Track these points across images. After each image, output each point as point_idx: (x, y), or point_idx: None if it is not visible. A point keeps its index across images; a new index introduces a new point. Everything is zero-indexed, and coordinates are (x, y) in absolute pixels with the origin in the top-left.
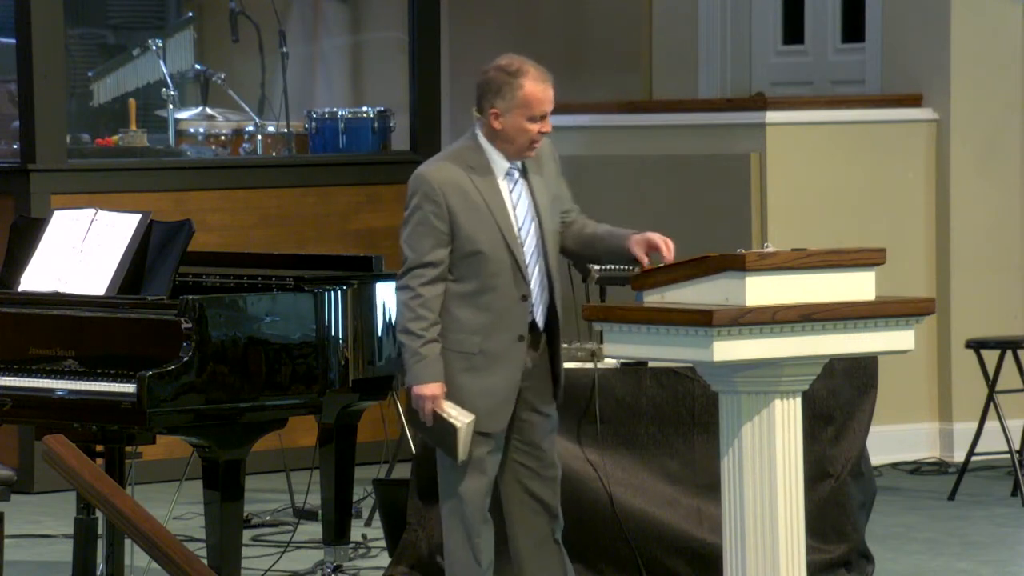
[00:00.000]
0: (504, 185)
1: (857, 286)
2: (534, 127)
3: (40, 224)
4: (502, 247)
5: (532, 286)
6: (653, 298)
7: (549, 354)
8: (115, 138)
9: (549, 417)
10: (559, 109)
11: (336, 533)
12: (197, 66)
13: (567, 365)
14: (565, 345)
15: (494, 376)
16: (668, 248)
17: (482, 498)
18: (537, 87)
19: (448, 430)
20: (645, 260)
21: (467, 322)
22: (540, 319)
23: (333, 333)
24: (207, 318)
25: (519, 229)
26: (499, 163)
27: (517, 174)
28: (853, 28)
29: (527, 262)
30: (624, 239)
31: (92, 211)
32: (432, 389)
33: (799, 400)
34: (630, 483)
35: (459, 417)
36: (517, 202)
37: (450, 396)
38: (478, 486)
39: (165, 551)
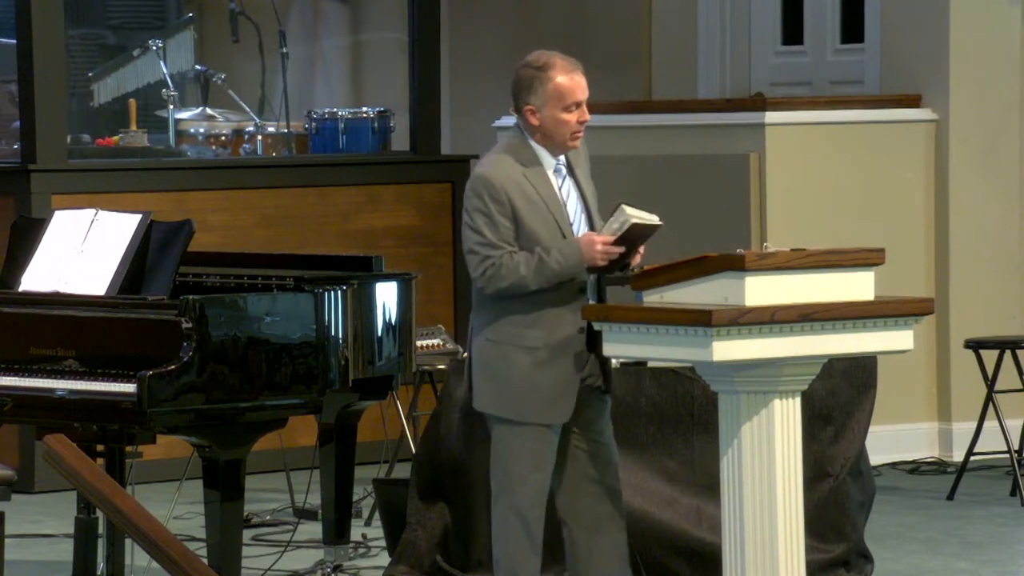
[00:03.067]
0: (554, 180)
1: (856, 286)
2: (571, 117)
3: (41, 224)
4: (560, 240)
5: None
6: (653, 298)
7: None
8: (115, 138)
9: (604, 403)
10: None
11: (336, 533)
12: (197, 66)
13: None
14: None
15: (558, 368)
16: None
17: (540, 492)
18: (566, 77)
19: (631, 232)
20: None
21: (529, 317)
22: None
23: (333, 333)
24: (207, 318)
25: (571, 223)
26: (547, 159)
27: (564, 170)
28: (852, 28)
29: None
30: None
31: (93, 211)
32: (585, 244)
33: (798, 400)
34: (630, 483)
35: (619, 218)
36: (567, 197)
37: (516, 389)
38: (536, 479)
39: (165, 551)
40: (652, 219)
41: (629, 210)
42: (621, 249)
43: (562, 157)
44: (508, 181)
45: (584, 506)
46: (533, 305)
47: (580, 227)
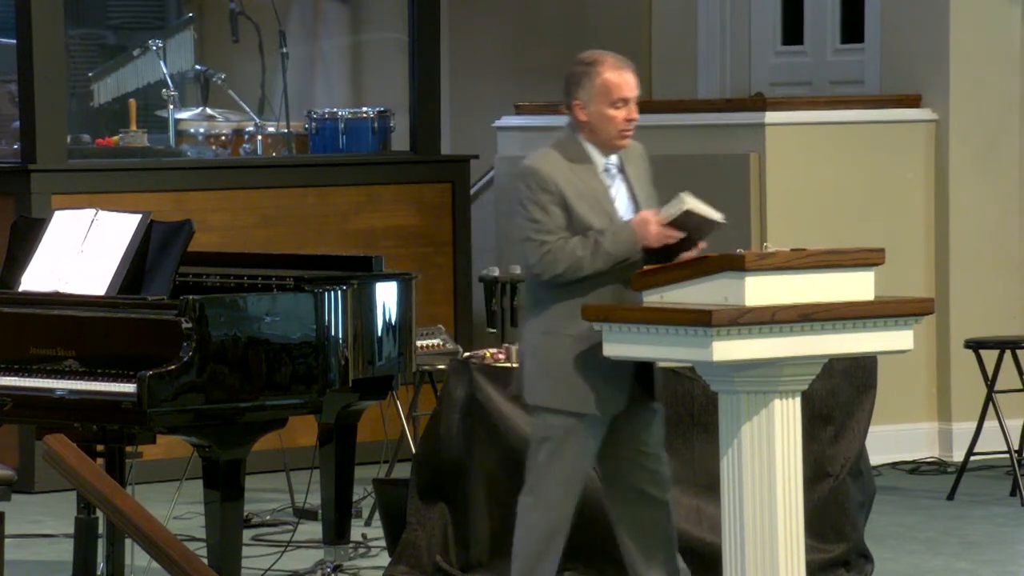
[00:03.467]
0: (604, 178)
1: (856, 286)
2: (618, 114)
3: (41, 224)
4: (614, 222)
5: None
6: (653, 298)
7: None
8: (115, 138)
9: (653, 410)
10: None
11: (336, 533)
12: (197, 66)
13: None
14: None
15: (607, 360)
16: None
17: (575, 484)
18: (614, 73)
19: (688, 221)
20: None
21: (580, 308)
22: None
23: (333, 333)
24: (207, 318)
25: (622, 219)
26: (596, 157)
27: (614, 169)
28: (852, 29)
29: None
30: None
31: (92, 211)
32: (638, 223)
33: (798, 400)
34: None
35: (676, 205)
36: (616, 195)
37: (567, 379)
38: (576, 471)
39: (165, 551)
40: (712, 213)
41: (687, 198)
42: (676, 233)
43: (613, 157)
44: (557, 172)
45: (630, 513)
46: (584, 296)
47: None
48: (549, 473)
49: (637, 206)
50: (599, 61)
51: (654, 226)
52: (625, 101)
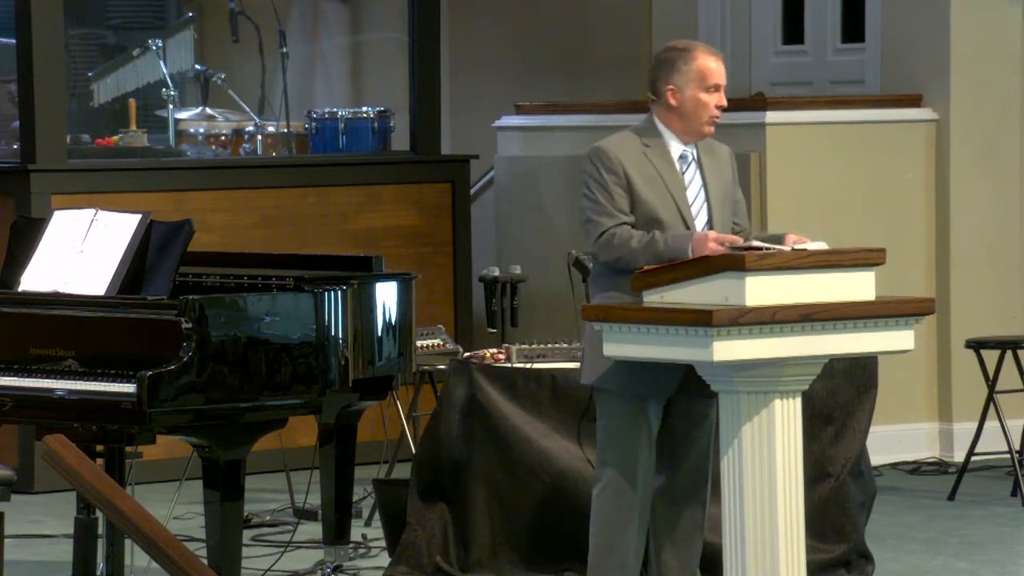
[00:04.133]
0: (679, 166)
1: (857, 286)
2: (711, 99)
3: (40, 224)
4: (679, 220)
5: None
6: (653, 298)
7: None
8: (115, 138)
9: (703, 412)
10: (558, 108)
11: (336, 533)
12: (197, 66)
13: (567, 365)
14: (565, 345)
15: None
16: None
17: (637, 466)
18: (710, 58)
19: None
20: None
21: (637, 294)
22: None
23: (333, 333)
24: (207, 318)
25: (691, 205)
26: (674, 146)
27: (691, 158)
28: (853, 28)
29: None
30: (781, 238)
31: (92, 211)
32: (697, 240)
33: (799, 400)
34: None
35: (766, 240)
36: (689, 184)
37: (631, 366)
38: (635, 453)
39: (165, 551)
40: (812, 245)
41: (789, 242)
42: (731, 240)
43: (692, 147)
44: (625, 154)
45: (662, 511)
46: None
47: (699, 215)
48: (608, 459)
49: (708, 198)
50: (694, 47)
51: (712, 243)
52: (718, 87)
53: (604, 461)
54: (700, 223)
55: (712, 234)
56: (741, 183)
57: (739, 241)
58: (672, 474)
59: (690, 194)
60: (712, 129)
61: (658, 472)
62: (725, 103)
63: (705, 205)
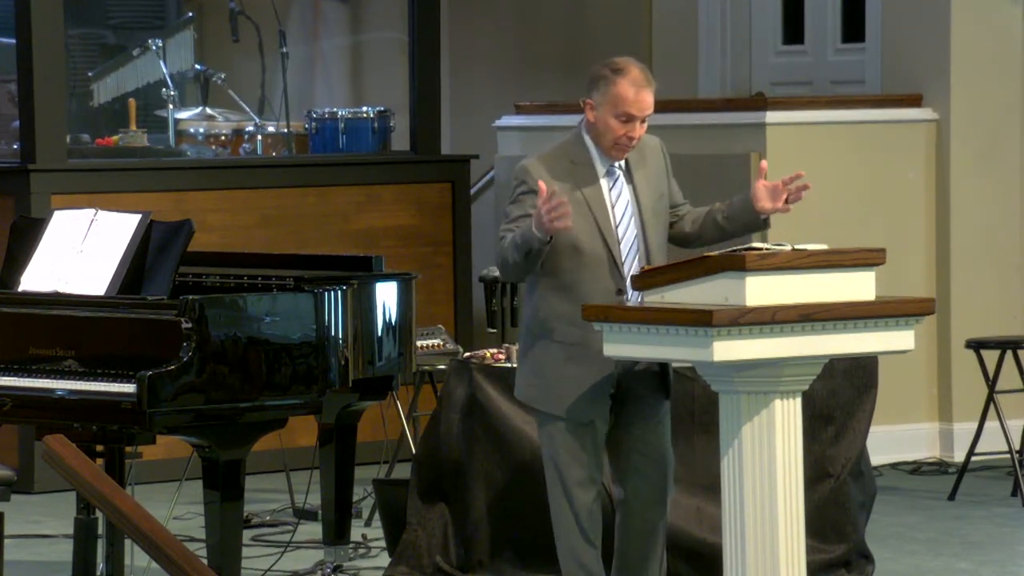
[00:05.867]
0: (604, 182)
1: (857, 286)
2: (619, 128)
3: (40, 224)
4: (599, 242)
5: (627, 283)
6: (653, 298)
7: None
8: (115, 138)
9: (655, 413)
10: (558, 108)
11: (336, 533)
12: (197, 66)
13: None
14: None
15: (591, 367)
16: (797, 176)
17: (582, 485)
18: (629, 89)
19: None
20: (777, 207)
21: (567, 314)
22: None
23: (333, 333)
24: (207, 318)
25: (617, 226)
26: (601, 159)
27: (619, 172)
28: (853, 28)
29: (623, 258)
30: (746, 196)
31: (92, 211)
32: (536, 218)
33: (799, 400)
34: None
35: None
36: (616, 199)
37: (552, 386)
38: (577, 472)
39: (165, 551)
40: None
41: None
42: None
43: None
44: (546, 172)
45: (624, 508)
46: (574, 303)
47: (628, 230)
48: (554, 471)
49: (640, 211)
50: (623, 71)
51: (542, 208)
52: (630, 117)
53: (551, 480)
54: (628, 239)
55: (539, 202)
56: (740, 184)
57: (555, 192)
58: (630, 484)
59: (617, 211)
60: (619, 155)
61: (619, 486)
62: (637, 133)
63: (635, 218)
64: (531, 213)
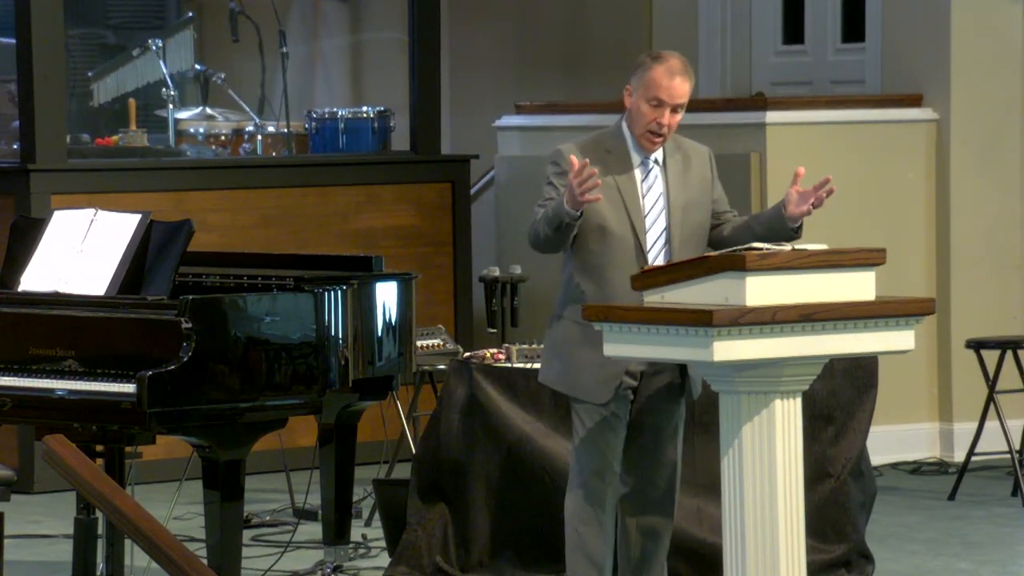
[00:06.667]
0: (638, 172)
1: (857, 286)
2: (650, 112)
3: (40, 224)
4: (627, 227)
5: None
6: (653, 298)
7: None
8: (115, 138)
9: (671, 421)
10: (558, 108)
11: (336, 533)
12: (197, 66)
13: None
14: None
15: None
16: (826, 181)
17: (598, 470)
18: (664, 74)
19: None
20: (802, 211)
21: (588, 294)
22: None
23: (333, 333)
24: (207, 318)
25: (646, 215)
26: (636, 149)
27: (654, 165)
28: (853, 28)
29: (649, 247)
30: (779, 204)
31: (92, 211)
32: (568, 192)
33: (799, 400)
34: None
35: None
36: (648, 191)
37: (567, 367)
38: (595, 457)
39: (165, 551)
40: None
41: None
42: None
43: (660, 152)
44: (580, 156)
45: (624, 513)
46: (597, 285)
47: (656, 222)
48: (575, 453)
49: (669, 204)
50: (661, 59)
51: (573, 182)
52: (660, 102)
53: (572, 460)
54: (656, 230)
55: (571, 175)
56: (741, 183)
57: (586, 164)
58: (637, 483)
59: (647, 201)
60: (651, 144)
61: (623, 482)
62: (668, 123)
63: (664, 212)
64: (561, 191)
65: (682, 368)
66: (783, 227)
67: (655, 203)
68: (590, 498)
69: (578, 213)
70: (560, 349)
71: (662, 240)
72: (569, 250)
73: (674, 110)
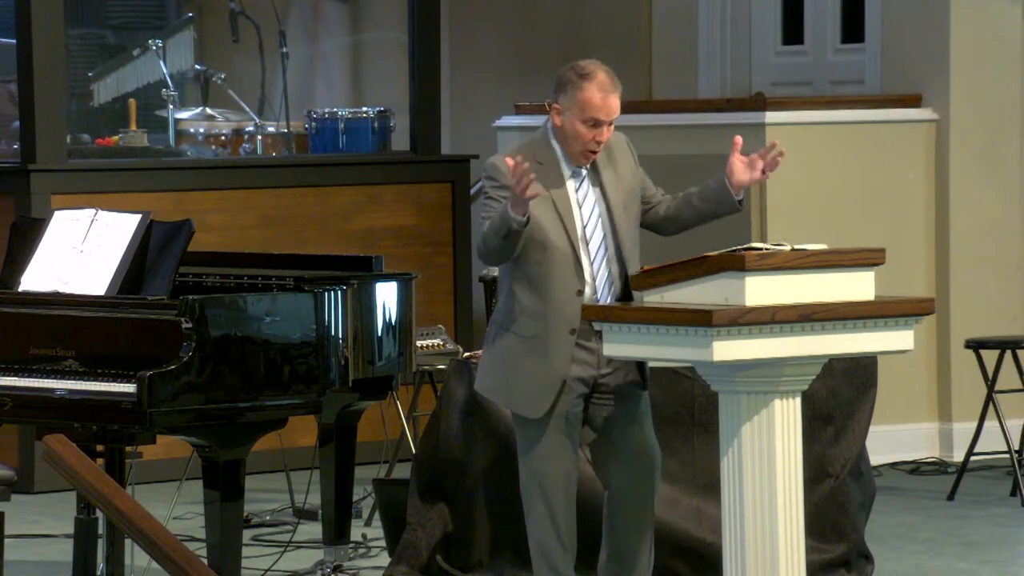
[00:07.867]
0: (571, 184)
1: (857, 286)
2: (587, 132)
3: (40, 224)
4: (565, 240)
5: (598, 283)
6: (653, 298)
7: None
8: (115, 138)
9: (636, 408)
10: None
11: (336, 533)
12: (197, 66)
13: None
14: None
15: (544, 363)
16: (772, 147)
17: (550, 481)
18: (596, 94)
19: None
20: (750, 178)
21: (528, 307)
22: None
23: (333, 333)
24: (207, 318)
25: (584, 227)
26: (567, 161)
27: (585, 172)
28: (853, 28)
29: (590, 260)
30: (721, 175)
31: (92, 211)
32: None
33: (799, 400)
34: None
35: None
36: (583, 200)
37: (506, 377)
38: (544, 467)
39: (165, 551)
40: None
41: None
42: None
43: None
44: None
45: (609, 503)
46: (536, 297)
47: (595, 231)
48: (524, 467)
49: (610, 210)
50: (590, 76)
51: (513, 181)
52: (597, 123)
53: (523, 475)
54: (596, 239)
55: (510, 174)
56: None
57: (520, 161)
58: (618, 482)
59: (584, 212)
60: (585, 160)
61: (603, 481)
62: (604, 138)
63: (603, 219)
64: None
65: (639, 363)
66: (727, 199)
67: (591, 212)
68: (551, 508)
69: (524, 219)
70: (499, 360)
71: (603, 249)
72: (510, 262)
73: (609, 124)
